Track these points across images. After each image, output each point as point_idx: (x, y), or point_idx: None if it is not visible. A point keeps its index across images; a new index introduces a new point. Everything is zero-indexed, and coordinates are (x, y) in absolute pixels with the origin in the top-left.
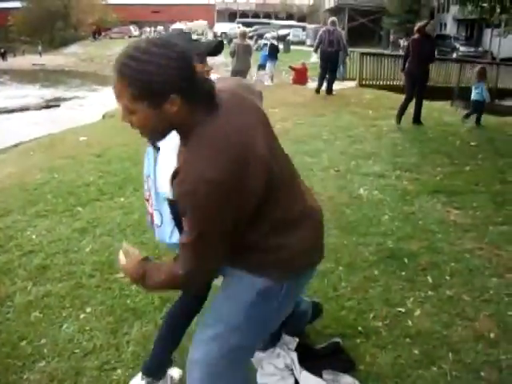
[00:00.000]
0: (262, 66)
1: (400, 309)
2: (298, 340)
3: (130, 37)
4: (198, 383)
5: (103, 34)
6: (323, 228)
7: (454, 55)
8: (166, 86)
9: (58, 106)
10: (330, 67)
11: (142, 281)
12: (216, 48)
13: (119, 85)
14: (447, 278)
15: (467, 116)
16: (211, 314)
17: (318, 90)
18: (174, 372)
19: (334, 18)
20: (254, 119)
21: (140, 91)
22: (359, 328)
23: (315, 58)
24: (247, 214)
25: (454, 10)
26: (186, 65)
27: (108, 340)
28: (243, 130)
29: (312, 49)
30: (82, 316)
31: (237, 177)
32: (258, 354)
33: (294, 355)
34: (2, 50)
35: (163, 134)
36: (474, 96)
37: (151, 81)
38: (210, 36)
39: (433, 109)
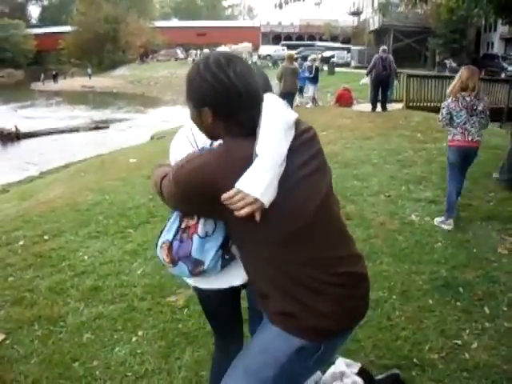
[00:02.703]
0: (301, 89)
1: (456, 341)
2: (360, 365)
3: (176, 59)
4: None
5: (150, 56)
6: (363, 285)
7: (503, 75)
8: (200, 98)
9: (107, 127)
10: (383, 88)
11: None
12: None
13: None
14: (504, 309)
15: None
16: (241, 365)
17: (374, 109)
18: None
19: (384, 47)
20: None
21: (188, 94)
22: (414, 360)
23: (366, 80)
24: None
25: (502, 29)
26: (223, 88)
27: (160, 364)
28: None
29: (357, 70)
30: (133, 339)
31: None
32: (320, 377)
33: (360, 380)
34: (54, 73)
35: (207, 136)
36: None
37: (194, 90)
38: (255, 58)
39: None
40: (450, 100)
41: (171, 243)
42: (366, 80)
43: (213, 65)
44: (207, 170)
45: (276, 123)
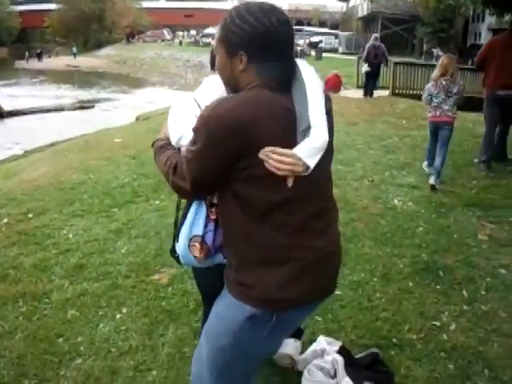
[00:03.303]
0: None
1: (435, 322)
2: (340, 343)
3: (162, 40)
4: None
5: (136, 37)
6: (329, 262)
7: None
8: (238, 41)
9: (92, 107)
10: (373, 75)
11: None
12: None
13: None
14: (483, 292)
15: None
16: (204, 334)
17: (365, 95)
18: None
19: (376, 35)
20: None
21: (222, 37)
22: (394, 340)
23: (366, 68)
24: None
25: (489, 19)
26: (265, 32)
27: (143, 341)
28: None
29: (344, 56)
30: (117, 316)
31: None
32: (302, 355)
33: (340, 358)
34: (38, 51)
35: (231, 88)
36: None
37: (232, 32)
38: None
39: (467, 120)
40: (430, 84)
41: (203, 237)
42: (366, 67)
43: (256, 9)
44: (242, 109)
45: (320, 92)
